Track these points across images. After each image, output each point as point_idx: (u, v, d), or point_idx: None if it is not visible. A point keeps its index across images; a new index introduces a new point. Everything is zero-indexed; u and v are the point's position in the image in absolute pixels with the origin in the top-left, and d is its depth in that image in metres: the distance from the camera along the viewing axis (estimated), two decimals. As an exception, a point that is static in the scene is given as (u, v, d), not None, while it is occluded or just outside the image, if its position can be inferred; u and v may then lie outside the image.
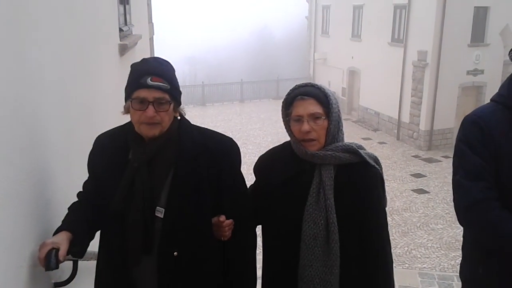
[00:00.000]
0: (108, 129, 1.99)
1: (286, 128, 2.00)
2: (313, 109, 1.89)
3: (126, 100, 1.79)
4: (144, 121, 1.74)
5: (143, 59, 1.85)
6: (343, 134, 1.99)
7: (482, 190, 1.90)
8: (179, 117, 1.90)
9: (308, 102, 1.90)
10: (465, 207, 1.94)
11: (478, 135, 1.93)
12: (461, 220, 1.99)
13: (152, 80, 1.72)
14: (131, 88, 1.76)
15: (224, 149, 1.91)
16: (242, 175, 1.99)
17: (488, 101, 2.11)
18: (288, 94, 1.98)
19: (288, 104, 1.96)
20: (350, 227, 1.92)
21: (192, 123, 1.96)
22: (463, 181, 1.95)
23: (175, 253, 1.80)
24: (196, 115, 20.65)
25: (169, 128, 1.82)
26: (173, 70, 1.84)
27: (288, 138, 2.04)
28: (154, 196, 1.80)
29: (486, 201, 1.89)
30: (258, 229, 2.10)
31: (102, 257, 1.91)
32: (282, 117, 2.00)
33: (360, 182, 1.94)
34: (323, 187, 1.91)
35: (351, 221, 1.92)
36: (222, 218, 1.88)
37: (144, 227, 1.78)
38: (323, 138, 1.93)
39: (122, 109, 1.82)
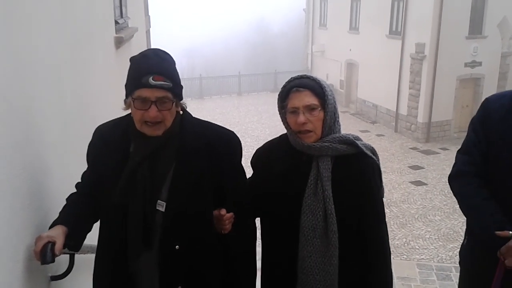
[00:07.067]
0: (107, 120, 1.96)
1: (282, 120, 2.00)
2: (308, 100, 1.88)
3: (127, 96, 1.75)
4: (147, 120, 1.71)
5: (143, 54, 1.78)
6: (339, 126, 1.99)
7: (465, 163, 2.12)
8: (181, 112, 1.87)
9: (303, 93, 1.89)
10: (450, 176, 2.20)
11: (480, 115, 2.11)
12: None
13: (154, 79, 1.67)
14: (132, 87, 1.71)
15: (225, 142, 1.90)
16: (243, 168, 1.98)
17: (485, 92, 2.21)
18: (284, 86, 1.97)
19: (284, 96, 1.95)
20: (348, 218, 1.93)
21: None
22: (457, 154, 2.21)
23: (177, 247, 1.79)
24: (194, 108, 20.55)
25: (171, 124, 1.79)
26: (174, 64, 1.79)
27: (285, 131, 2.04)
28: (155, 189, 1.78)
29: (467, 174, 2.10)
30: (257, 221, 2.09)
31: (101, 250, 1.89)
32: (278, 110, 2.00)
33: (358, 173, 1.94)
34: (321, 179, 1.91)
35: (349, 212, 1.93)
36: (223, 211, 1.87)
37: (145, 221, 1.77)
38: (319, 130, 1.92)
39: (119, 102, 1.80)
